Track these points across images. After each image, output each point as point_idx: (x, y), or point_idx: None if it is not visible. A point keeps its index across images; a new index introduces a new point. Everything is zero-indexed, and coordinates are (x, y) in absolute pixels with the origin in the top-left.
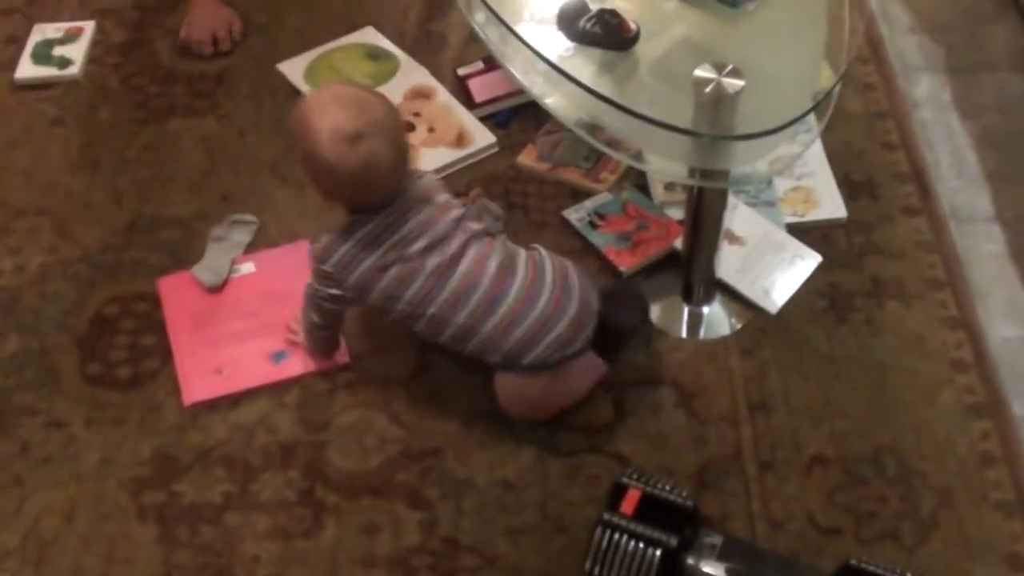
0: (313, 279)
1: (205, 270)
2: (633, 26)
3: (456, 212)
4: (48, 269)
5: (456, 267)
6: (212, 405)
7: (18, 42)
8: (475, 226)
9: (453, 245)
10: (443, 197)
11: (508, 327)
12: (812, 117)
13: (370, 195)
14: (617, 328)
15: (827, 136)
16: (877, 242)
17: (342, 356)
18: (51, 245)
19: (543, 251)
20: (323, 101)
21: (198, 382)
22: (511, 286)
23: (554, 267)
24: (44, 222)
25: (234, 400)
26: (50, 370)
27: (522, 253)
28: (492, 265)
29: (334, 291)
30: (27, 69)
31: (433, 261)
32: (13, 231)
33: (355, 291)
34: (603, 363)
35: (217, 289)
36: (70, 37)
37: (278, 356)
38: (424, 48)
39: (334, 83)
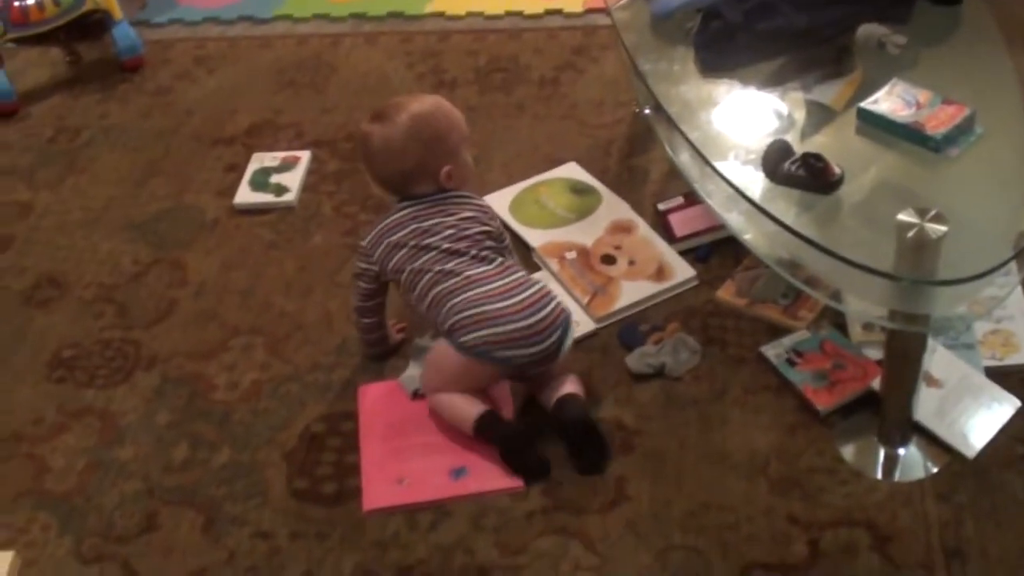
0: (356, 256)
1: (413, 379)
2: (837, 170)
3: (476, 230)
4: (260, 386)
5: (452, 276)
6: (391, 512)
7: (238, 170)
8: (487, 248)
9: (461, 258)
10: (472, 213)
11: (470, 303)
12: (1014, 261)
13: (376, 172)
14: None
15: None
16: None
17: (517, 481)
18: (264, 363)
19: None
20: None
21: (379, 489)
22: (491, 281)
23: (537, 287)
24: (258, 341)
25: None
26: (259, 483)
27: (514, 270)
28: (479, 268)
29: (364, 264)
30: (246, 195)
31: (438, 264)
32: (229, 348)
33: (379, 264)
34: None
35: (422, 396)
36: (287, 166)
37: (458, 472)
38: (625, 183)
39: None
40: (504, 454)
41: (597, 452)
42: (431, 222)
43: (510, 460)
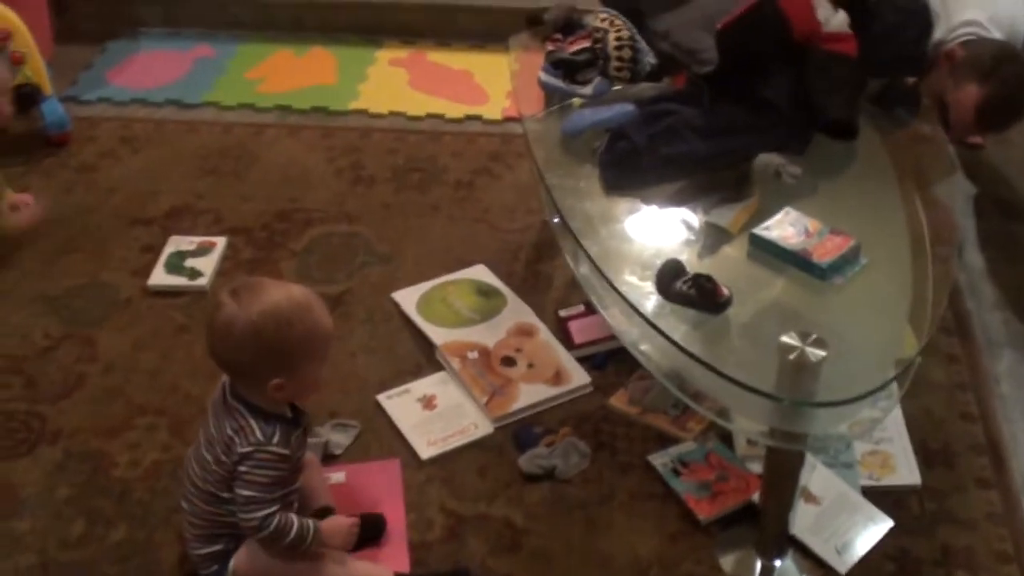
0: None
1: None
2: (726, 292)
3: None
4: (160, 466)
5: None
6: None
7: (154, 251)
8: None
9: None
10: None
11: None
12: (894, 384)
13: (208, 345)
14: None
15: (908, 403)
16: (949, 511)
17: (404, 566)
18: (166, 444)
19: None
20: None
21: None
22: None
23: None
24: (162, 422)
25: None
26: (153, 562)
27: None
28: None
29: None
30: (160, 277)
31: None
32: (133, 427)
33: None
34: None
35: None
36: (202, 250)
37: None
38: (530, 288)
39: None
40: None
41: None
42: (209, 428)
43: None
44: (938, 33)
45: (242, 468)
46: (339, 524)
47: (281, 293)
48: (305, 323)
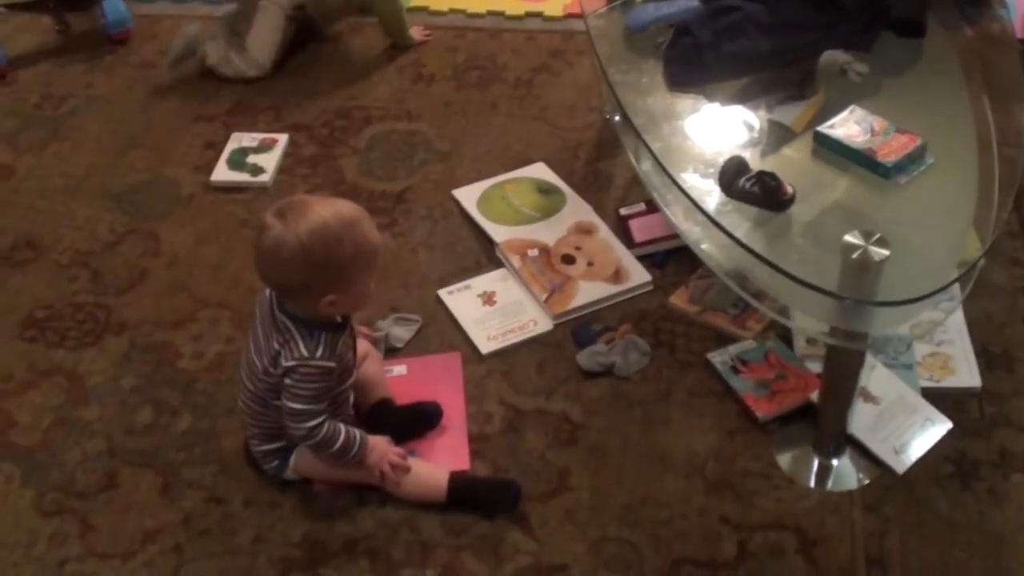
0: None
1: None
2: (790, 189)
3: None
4: (224, 358)
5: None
6: (342, 489)
7: (216, 147)
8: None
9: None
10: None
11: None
12: (956, 286)
13: (258, 269)
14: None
15: (969, 306)
16: (1009, 415)
17: (463, 463)
18: (229, 336)
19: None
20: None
21: None
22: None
23: (254, 386)
24: (224, 315)
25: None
26: (217, 450)
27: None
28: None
29: None
30: (222, 173)
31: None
32: (196, 320)
33: None
34: None
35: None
36: (264, 147)
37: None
38: (590, 186)
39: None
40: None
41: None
42: (258, 336)
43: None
44: None
45: (288, 381)
46: (383, 447)
47: (328, 210)
48: (354, 239)
